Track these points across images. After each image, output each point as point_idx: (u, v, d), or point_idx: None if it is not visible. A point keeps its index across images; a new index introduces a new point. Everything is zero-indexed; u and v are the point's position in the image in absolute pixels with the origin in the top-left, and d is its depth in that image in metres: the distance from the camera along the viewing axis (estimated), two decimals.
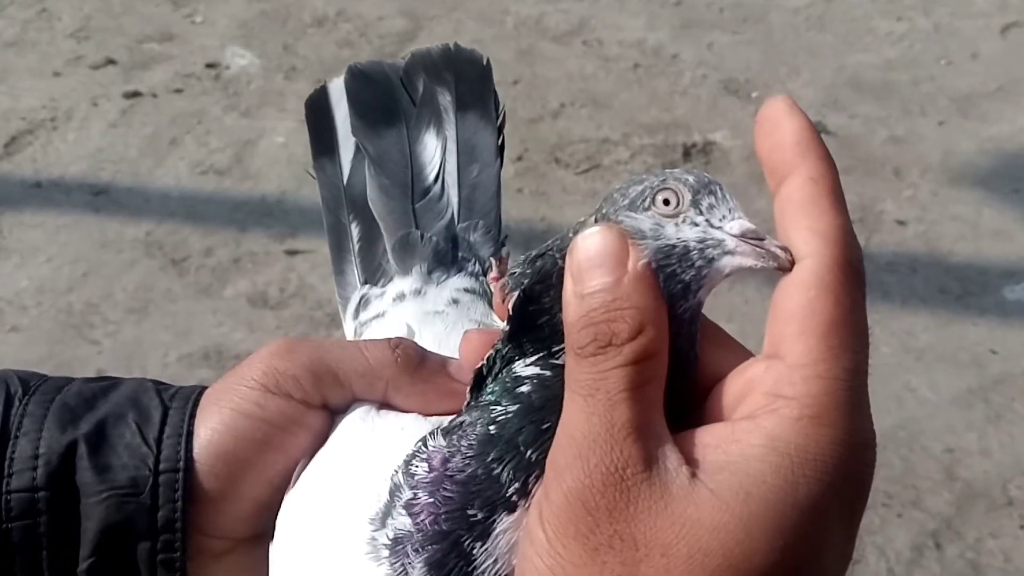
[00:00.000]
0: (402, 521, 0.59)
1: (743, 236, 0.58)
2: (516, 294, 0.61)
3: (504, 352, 0.62)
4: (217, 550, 0.69)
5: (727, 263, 0.58)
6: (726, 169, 3.13)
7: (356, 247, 0.91)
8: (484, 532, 0.58)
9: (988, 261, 2.92)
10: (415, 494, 0.59)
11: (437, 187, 0.90)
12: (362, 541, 0.61)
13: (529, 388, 0.60)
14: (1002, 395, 2.57)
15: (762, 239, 0.58)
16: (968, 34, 3.72)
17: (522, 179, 3.12)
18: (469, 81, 0.92)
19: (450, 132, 0.91)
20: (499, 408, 0.60)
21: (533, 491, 0.57)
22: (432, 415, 0.69)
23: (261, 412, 0.68)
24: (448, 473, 0.59)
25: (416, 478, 0.60)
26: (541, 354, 0.61)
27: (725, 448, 0.54)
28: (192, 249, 2.95)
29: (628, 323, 0.55)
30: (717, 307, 2.53)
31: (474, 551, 0.58)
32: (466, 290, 0.86)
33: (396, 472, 0.61)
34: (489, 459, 0.58)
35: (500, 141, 0.91)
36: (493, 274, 0.66)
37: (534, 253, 0.62)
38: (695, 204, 0.59)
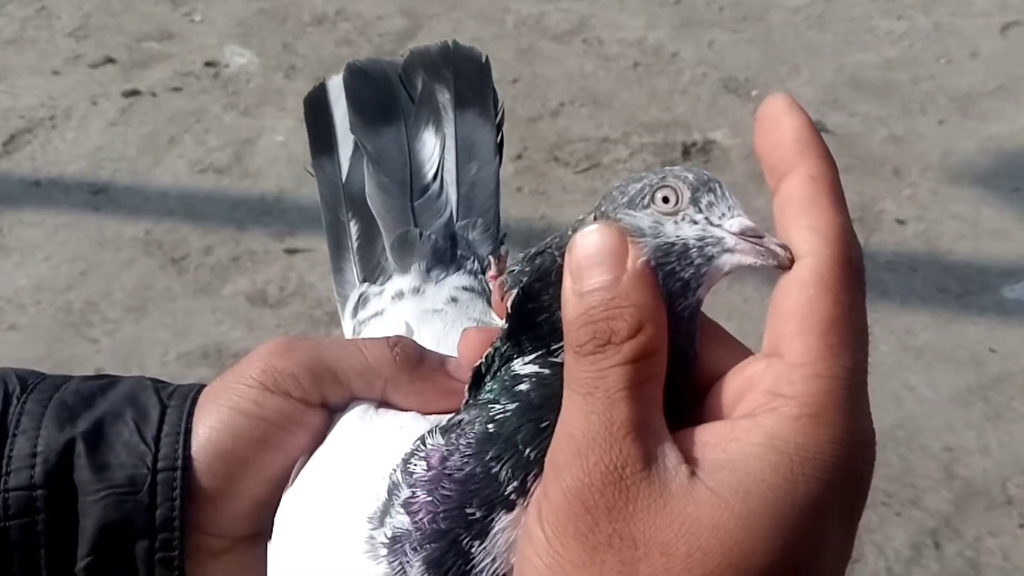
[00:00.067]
0: (400, 520, 0.59)
1: (742, 234, 0.58)
2: (515, 292, 0.61)
3: (503, 350, 0.62)
4: (215, 549, 0.69)
5: (726, 261, 0.58)
6: (726, 168, 3.13)
7: (355, 245, 0.90)
8: (482, 531, 0.58)
9: (987, 260, 2.92)
10: (413, 492, 0.59)
11: (436, 185, 0.90)
12: (360, 540, 0.61)
13: (528, 386, 0.60)
14: (1001, 394, 2.57)
15: (761, 237, 0.58)
16: (968, 33, 3.72)
17: (521, 178, 3.12)
18: (468, 79, 0.92)
19: (449, 130, 0.91)
20: (498, 406, 0.60)
21: (532, 490, 0.57)
22: (431, 413, 0.69)
23: (259, 410, 0.68)
24: (446, 471, 0.59)
25: (414, 476, 0.60)
26: (540, 352, 0.61)
27: (724, 446, 0.54)
28: (191, 248, 2.95)
29: (627, 321, 0.55)
30: (716, 305, 2.53)
31: (472, 550, 0.58)
32: (465, 288, 0.86)
33: (394, 470, 0.61)
34: (488, 457, 0.58)
35: (499, 139, 0.91)
36: (492, 272, 0.66)
37: (533, 251, 0.62)
38: (694, 202, 0.59)
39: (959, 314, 2.77)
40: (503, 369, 0.62)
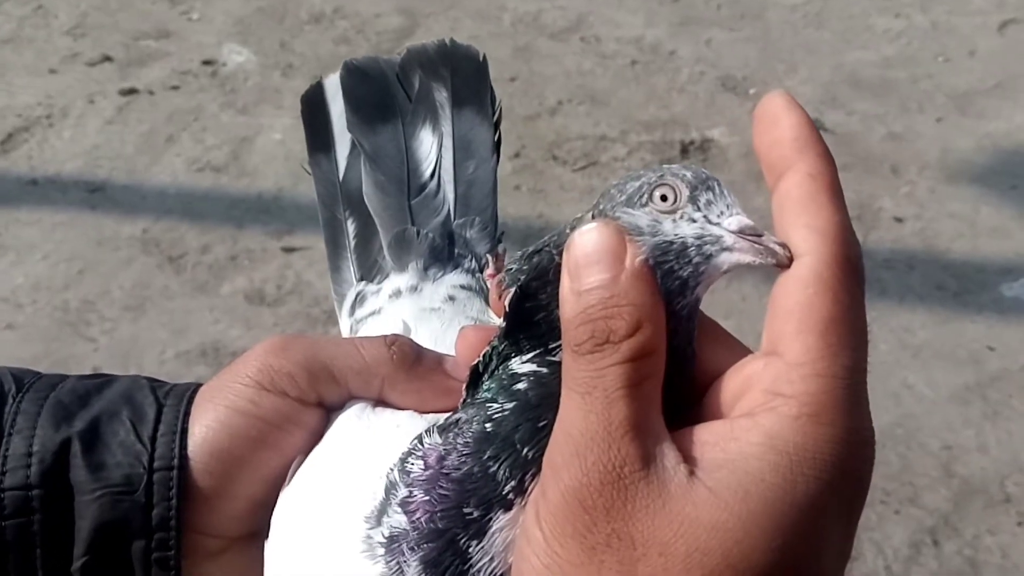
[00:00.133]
0: (398, 519, 0.59)
1: (741, 232, 0.58)
2: (513, 290, 0.61)
3: (500, 349, 0.62)
4: (212, 549, 0.68)
5: (725, 259, 0.58)
6: (724, 166, 3.12)
7: (352, 244, 0.90)
8: (480, 530, 0.57)
9: (985, 258, 2.92)
10: (411, 492, 0.59)
11: (433, 183, 0.90)
12: (358, 539, 0.60)
13: (526, 385, 0.60)
14: (999, 392, 2.57)
15: (760, 235, 0.58)
16: (966, 31, 3.72)
17: (519, 176, 3.12)
18: (465, 77, 0.91)
19: (446, 128, 0.91)
20: (495, 405, 0.60)
21: (530, 489, 0.57)
22: (428, 412, 0.68)
23: (256, 409, 0.68)
24: (444, 471, 0.59)
25: (412, 476, 0.60)
26: (538, 351, 0.60)
27: (723, 446, 0.53)
28: (189, 246, 2.95)
29: (625, 320, 0.55)
30: (715, 304, 2.53)
31: (470, 549, 0.57)
32: (462, 287, 0.85)
33: (392, 470, 0.61)
34: (485, 457, 0.58)
35: (496, 137, 0.91)
36: (490, 270, 0.66)
37: (531, 249, 0.62)
38: (693, 200, 0.59)
39: (957, 312, 2.77)
40: (501, 368, 0.61)
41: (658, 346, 0.56)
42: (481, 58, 0.92)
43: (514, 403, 0.59)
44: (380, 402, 0.70)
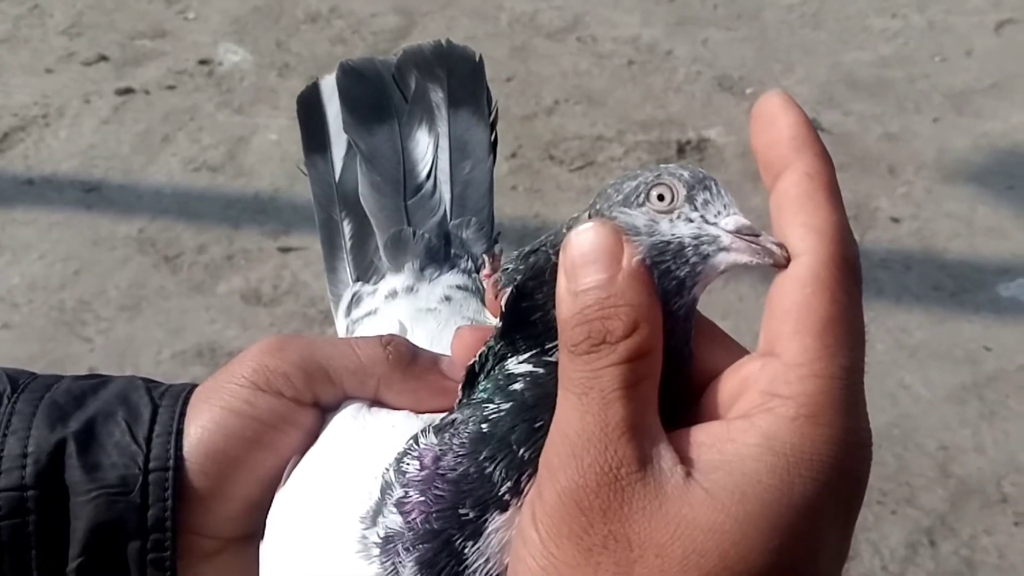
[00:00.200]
0: (393, 519, 0.59)
1: (738, 232, 0.58)
2: (509, 290, 0.61)
3: (497, 349, 0.62)
4: (207, 549, 0.68)
5: (722, 259, 0.58)
6: (720, 166, 3.12)
7: (348, 244, 0.90)
8: (476, 531, 0.57)
9: (982, 258, 2.92)
10: (406, 492, 0.59)
11: (429, 184, 0.90)
12: (353, 539, 0.60)
13: (522, 386, 0.59)
14: (996, 392, 2.57)
15: (757, 235, 0.57)
16: (962, 31, 3.72)
17: (516, 176, 3.12)
18: (461, 77, 0.91)
19: (442, 129, 0.91)
20: (492, 406, 0.59)
21: (526, 490, 0.57)
22: (424, 412, 0.68)
23: (251, 410, 0.68)
24: (440, 471, 0.59)
25: (407, 476, 0.60)
26: (534, 351, 0.60)
27: (720, 447, 0.53)
28: (185, 246, 2.95)
29: (622, 320, 0.55)
30: (711, 304, 2.53)
31: (465, 550, 0.57)
32: (459, 287, 0.85)
33: (387, 470, 0.61)
34: (481, 457, 0.58)
35: (493, 137, 0.91)
36: (486, 271, 0.66)
37: (527, 249, 0.62)
38: (690, 200, 0.59)
39: (954, 312, 2.77)
40: (497, 368, 0.61)
41: (655, 347, 0.55)
42: (477, 59, 0.92)
43: (510, 404, 0.59)
44: (376, 402, 0.70)
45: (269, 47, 3.64)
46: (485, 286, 0.65)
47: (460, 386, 0.63)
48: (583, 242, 0.56)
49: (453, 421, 0.61)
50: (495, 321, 0.63)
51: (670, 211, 0.58)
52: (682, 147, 3.23)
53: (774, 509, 0.52)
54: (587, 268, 0.56)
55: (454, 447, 0.59)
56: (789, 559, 0.52)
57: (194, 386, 0.71)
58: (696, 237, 0.58)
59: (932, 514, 2.32)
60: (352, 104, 0.92)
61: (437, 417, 0.63)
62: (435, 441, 0.60)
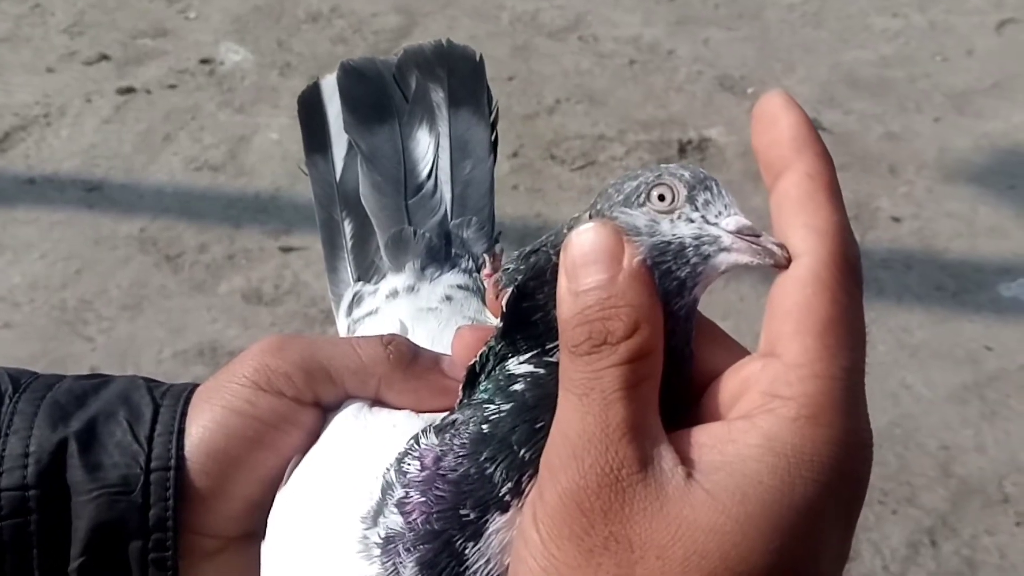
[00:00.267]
0: (394, 520, 0.59)
1: (739, 232, 0.58)
2: (510, 290, 0.61)
3: (497, 349, 0.62)
4: (209, 549, 0.68)
5: (723, 260, 0.58)
6: (721, 166, 3.12)
7: (349, 244, 0.90)
8: (476, 532, 0.57)
9: (983, 258, 2.92)
10: (407, 493, 0.59)
11: (430, 183, 0.90)
12: (354, 540, 0.60)
13: (523, 386, 0.59)
14: (997, 391, 2.57)
15: (758, 235, 0.57)
16: (963, 31, 3.72)
17: (517, 175, 3.12)
18: (462, 77, 0.91)
19: (443, 128, 0.91)
20: (492, 406, 0.59)
21: (527, 491, 0.57)
22: (425, 412, 0.68)
23: (253, 410, 0.68)
24: (440, 472, 0.59)
25: (408, 476, 0.60)
26: (535, 351, 0.60)
27: (721, 448, 0.53)
28: (186, 245, 2.95)
29: (623, 321, 0.55)
30: (712, 304, 2.53)
31: (466, 551, 0.57)
32: (459, 287, 0.85)
33: (388, 470, 0.61)
34: (482, 458, 0.58)
35: (493, 137, 0.91)
36: (487, 270, 0.66)
37: (528, 249, 0.62)
38: (691, 200, 0.58)
39: (955, 312, 2.77)
40: (498, 368, 0.61)
41: (656, 347, 0.55)
42: (478, 58, 0.92)
43: (511, 404, 0.59)
44: (377, 402, 0.70)
45: (270, 46, 3.64)
46: (486, 286, 0.65)
47: (461, 386, 0.63)
48: (584, 242, 0.56)
49: (454, 422, 0.61)
50: (496, 321, 0.62)
51: (671, 211, 0.58)
52: (683, 147, 3.23)
53: (775, 510, 0.51)
54: (588, 268, 0.56)
55: (455, 448, 0.59)
56: (790, 560, 0.52)
57: (195, 386, 0.71)
58: (697, 237, 0.58)
59: (933, 514, 2.32)
60: (353, 104, 0.92)
61: (438, 417, 0.63)
62: (436, 442, 0.60)
